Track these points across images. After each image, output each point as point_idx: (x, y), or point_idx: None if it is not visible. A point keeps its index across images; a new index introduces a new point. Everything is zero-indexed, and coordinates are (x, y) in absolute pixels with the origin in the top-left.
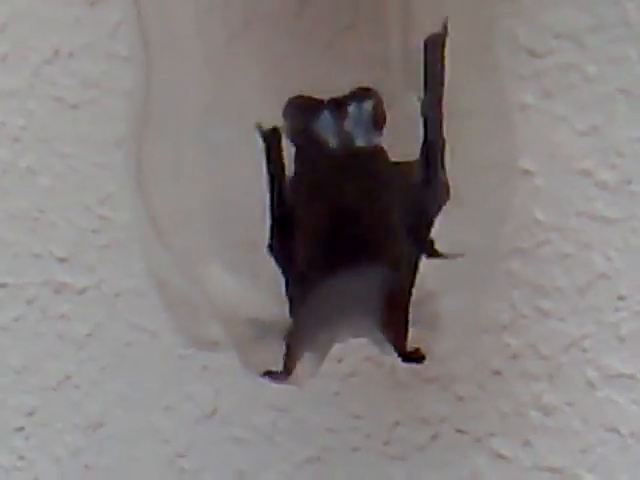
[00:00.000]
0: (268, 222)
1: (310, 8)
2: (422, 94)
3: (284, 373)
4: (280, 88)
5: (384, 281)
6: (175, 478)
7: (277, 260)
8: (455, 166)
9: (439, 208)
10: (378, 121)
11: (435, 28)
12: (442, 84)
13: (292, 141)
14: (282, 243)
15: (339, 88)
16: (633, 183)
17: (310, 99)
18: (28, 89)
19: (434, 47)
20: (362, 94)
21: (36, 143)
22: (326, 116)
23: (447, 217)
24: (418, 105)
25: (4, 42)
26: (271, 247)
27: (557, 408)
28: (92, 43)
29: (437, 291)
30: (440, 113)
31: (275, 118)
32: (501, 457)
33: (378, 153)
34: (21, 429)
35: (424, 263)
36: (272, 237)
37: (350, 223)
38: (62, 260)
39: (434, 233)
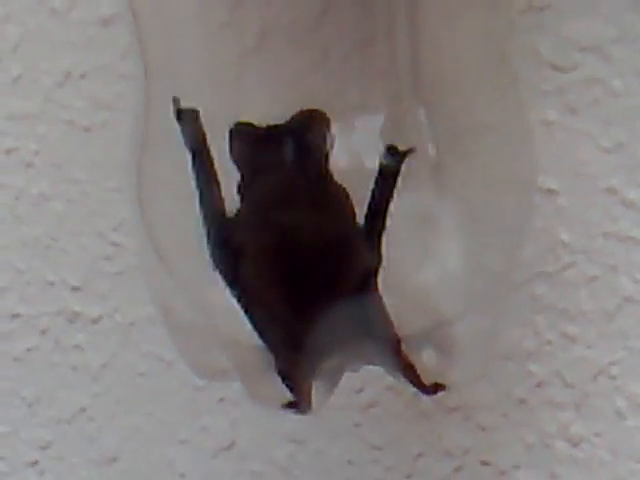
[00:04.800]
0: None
1: (322, 26)
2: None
3: (303, 404)
4: (289, 105)
5: (356, 310)
6: None
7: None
8: (472, 184)
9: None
10: (320, 145)
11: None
12: (385, 213)
13: (237, 168)
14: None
15: (350, 104)
16: None
17: (252, 126)
18: (40, 113)
19: (387, 177)
20: (304, 119)
21: (49, 168)
22: (269, 145)
23: (464, 237)
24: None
25: (15, 64)
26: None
27: (585, 439)
28: (105, 65)
29: (453, 316)
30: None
31: None
32: None
33: (323, 180)
34: (35, 463)
35: (439, 288)
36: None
37: (305, 259)
38: (75, 289)
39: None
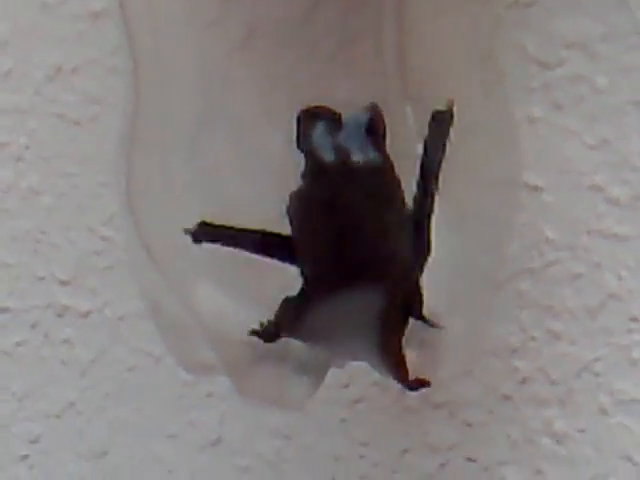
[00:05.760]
0: None
1: (310, 24)
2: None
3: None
4: (276, 103)
5: (382, 304)
6: None
7: None
8: (457, 182)
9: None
10: (384, 137)
11: (433, 39)
12: (440, 161)
13: (302, 151)
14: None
15: (338, 102)
16: None
17: (327, 110)
18: (30, 107)
19: (440, 123)
20: (374, 110)
21: (38, 162)
22: (342, 130)
23: (450, 235)
24: (413, 121)
25: (6, 59)
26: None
27: (569, 435)
28: (95, 59)
29: (438, 313)
30: (434, 187)
31: (270, 131)
32: None
33: (388, 170)
34: (25, 457)
35: (424, 284)
36: None
37: (353, 242)
38: (65, 283)
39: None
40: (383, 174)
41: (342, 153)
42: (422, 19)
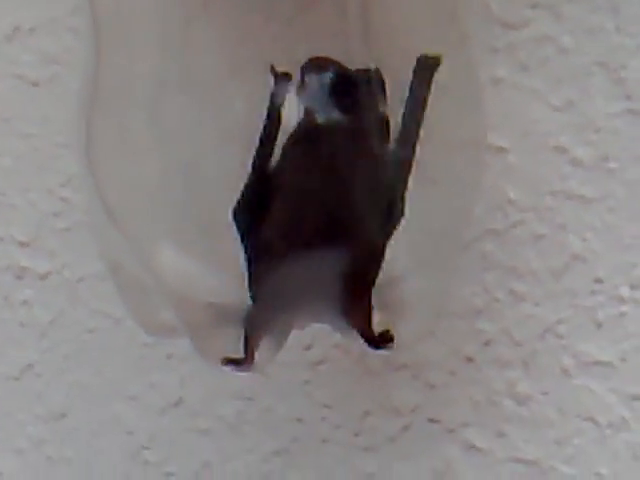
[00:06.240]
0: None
1: None
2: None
3: (246, 360)
4: (236, 64)
5: (347, 265)
6: (139, 470)
7: (237, 225)
8: (422, 143)
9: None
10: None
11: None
12: (424, 107)
13: (305, 102)
14: (249, 208)
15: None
16: (610, 160)
17: (333, 63)
18: None
19: (425, 70)
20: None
21: None
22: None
23: (415, 196)
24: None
25: None
26: (235, 212)
27: (532, 397)
28: (54, 18)
29: (402, 274)
30: (417, 135)
31: (230, 94)
32: (474, 448)
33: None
34: None
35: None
36: (241, 201)
37: (326, 202)
38: (24, 244)
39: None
40: (369, 137)
41: (337, 112)
42: None
